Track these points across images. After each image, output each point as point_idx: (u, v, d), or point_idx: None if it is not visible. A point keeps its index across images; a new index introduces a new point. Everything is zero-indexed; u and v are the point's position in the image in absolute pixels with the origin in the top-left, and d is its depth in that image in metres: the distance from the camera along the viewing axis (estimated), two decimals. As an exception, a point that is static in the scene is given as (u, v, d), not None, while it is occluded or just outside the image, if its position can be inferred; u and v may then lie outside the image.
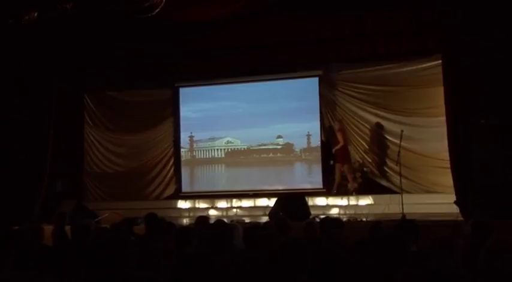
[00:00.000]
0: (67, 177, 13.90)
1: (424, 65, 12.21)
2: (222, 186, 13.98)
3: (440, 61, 10.77)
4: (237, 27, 12.19)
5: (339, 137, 12.67)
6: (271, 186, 13.41)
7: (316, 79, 13.45)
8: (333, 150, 12.72)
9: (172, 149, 14.60)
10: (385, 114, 12.75)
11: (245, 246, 5.50)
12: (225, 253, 4.86)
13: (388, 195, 11.70)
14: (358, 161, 12.83)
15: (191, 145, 14.48)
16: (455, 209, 9.90)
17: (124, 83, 14.40)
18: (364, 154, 12.97)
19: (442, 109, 10.46)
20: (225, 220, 9.23)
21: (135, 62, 13.47)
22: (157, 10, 9.67)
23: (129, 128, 14.69)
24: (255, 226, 6.28)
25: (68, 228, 7.61)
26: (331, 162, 12.76)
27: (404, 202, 10.23)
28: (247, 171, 14.05)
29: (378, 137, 12.83)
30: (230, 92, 14.21)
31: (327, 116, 13.37)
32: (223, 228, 5.54)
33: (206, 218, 7.29)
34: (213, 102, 14.28)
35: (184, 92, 14.52)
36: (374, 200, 11.94)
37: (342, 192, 12.57)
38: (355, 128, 13.07)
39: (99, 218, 11.02)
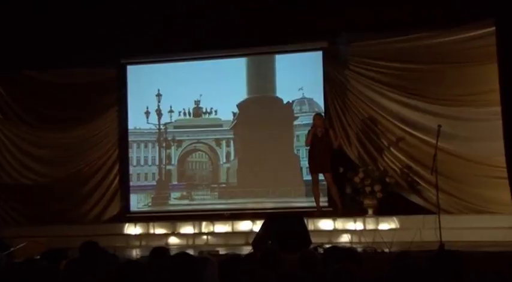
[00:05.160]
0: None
1: (469, 34, 12.21)
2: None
3: (493, 28, 10.74)
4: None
5: (332, 135, 12.74)
6: (258, 201, 13.53)
7: (320, 53, 13.49)
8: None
9: (117, 151, 14.61)
10: (414, 103, 12.76)
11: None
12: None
13: (420, 217, 11.70)
14: (378, 169, 12.80)
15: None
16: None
17: (48, 59, 14.30)
18: (386, 158, 12.99)
19: (497, 96, 10.45)
20: (192, 251, 9.16)
21: (63, 29, 13.38)
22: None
23: (56, 121, 14.63)
24: (233, 259, 6.20)
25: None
26: (341, 169, 12.73)
27: (442, 226, 10.19)
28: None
29: (404, 135, 12.84)
30: (198, 71, 14.23)
31: (333, 104, 13.38)
32: (189, 262, 5.48)
33: (165, 249, 7.16)
34: (172, 85, 14.37)
35: (133, 71, 14.55)
36: (400, 223, 11.91)
37: (356, 211, 12.56)
38: (373, 122, 13.09)
39: (12, 249, 10.88)
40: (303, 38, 13.43)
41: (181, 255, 6.90)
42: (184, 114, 14.47)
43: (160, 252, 7.03)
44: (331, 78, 13.42)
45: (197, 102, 14.35)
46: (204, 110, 14.39)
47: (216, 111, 14.35)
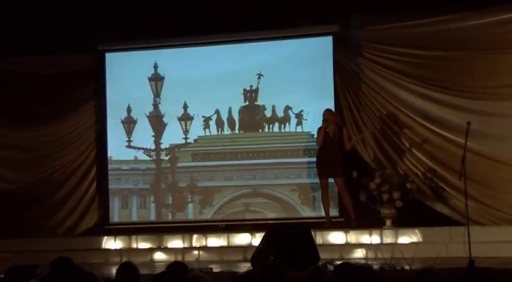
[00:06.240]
0: None
1: (504, 16, 12.24)
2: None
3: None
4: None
5: (346, 134, 12.75)
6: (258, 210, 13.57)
7: (330, 39, 13.49)
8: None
9: (94, 152, 14.60)
10: (440, 96, 12.75)
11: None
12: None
13: (446, 229, 11.72)
14: (397, 173, 12.78)
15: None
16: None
17: (14, 46, 14.29)
18: (406, 161, 12.98)
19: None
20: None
21: (30, 10, 13.38)
22: None
23: (23, 118, 14.63)
24: (229, 277, 6.20)
25: None
26: (354, 173, 12.69)
27: (472, 239, 10.16)
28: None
29: (428, 134, 12.82)
30: (189, 60, 14.20)
31: (345, 96, 13.38)
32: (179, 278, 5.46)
33: (130, 265, 7.09)
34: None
35: (113, 59, 14.54)
36: (423, 236, 11.92)
37: (371, 222, 12.56)
38: (391, 118, 13.06)
39: (-28, 266, 10.89)
40: (313, 23, 13.46)
41: (174, 265, 6.89)
42: (174, 109, 14.44)
43: (129, 269, 6.98)
44: (343, 67, 13.41)
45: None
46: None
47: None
